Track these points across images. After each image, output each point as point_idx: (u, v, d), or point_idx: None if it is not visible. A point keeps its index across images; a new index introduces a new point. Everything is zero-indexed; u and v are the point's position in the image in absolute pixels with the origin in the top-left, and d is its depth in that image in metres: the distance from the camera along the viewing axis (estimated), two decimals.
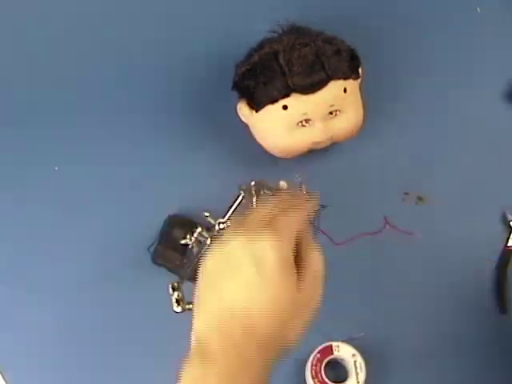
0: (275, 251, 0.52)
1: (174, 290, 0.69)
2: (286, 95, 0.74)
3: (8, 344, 0.77)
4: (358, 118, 0.78)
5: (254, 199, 0.66)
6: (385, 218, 0.81)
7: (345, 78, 0.76)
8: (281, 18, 0.77)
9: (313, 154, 0.80)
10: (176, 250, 0.77)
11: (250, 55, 0.77)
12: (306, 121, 0.76)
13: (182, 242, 0.75)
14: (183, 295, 0.69)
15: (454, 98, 0.87)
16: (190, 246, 0.74)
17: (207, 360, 0.51)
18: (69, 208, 0.80)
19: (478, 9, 0.90)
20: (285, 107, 0.75)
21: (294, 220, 0.56)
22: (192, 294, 0.61)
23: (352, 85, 0.77)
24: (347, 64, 0.76)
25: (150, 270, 0.77)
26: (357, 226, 0.81)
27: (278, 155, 0.79)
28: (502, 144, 0.86)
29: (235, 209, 0.67)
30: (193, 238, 0.73)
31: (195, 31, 0.87)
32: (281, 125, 0.76)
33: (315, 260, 0.56)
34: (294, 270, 0.53)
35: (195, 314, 0.54)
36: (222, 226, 0.68)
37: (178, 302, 0.68)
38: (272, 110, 0.75)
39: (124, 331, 0.77)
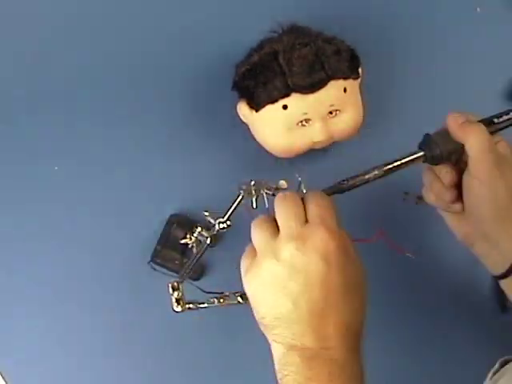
0: (331, 240, 0.56)
1: (173, 289, 0.69)
2: (286, 95, 0.74)
3: (8, 344, 0.77)
4: (357, 118, 0.78)
5: (254, 199, 0.66)
6: (380, 231, 0.81)
7: (345, 78, 0.76)
8: (281, 17, 0.77)
9: (313, 153, 0.80)
10: (176, 250, 0.77)
11: (250, 55, 0.77)
12: (306, 121, 0.76)
13: (182, 241, 0.75)
14: (183, 295, 0.69)
15: (454, 98, 0.87)
16: (189, 246, 0.74)
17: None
18: (68, 208, 0.80)
19: (478, 9, 0.91)
20: (285, 107, 0.75)
21: (324, 205, 0.60)
22: (192, 293, 0.62)
23: (352, 85, 0.77)
24: (347, 64, 0.76)
25: (150, 271, 0.77)
26: (357, 227, 0.81)
27: (278, 155, 0.79)
28: None
29: (235, 208, 0.67)
30: (193, 238, 0.73)
31: (195, 31, 0.87)
32: (281, 125, 0.76)
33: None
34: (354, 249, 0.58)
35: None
36: (221, 225, 0.68)
37: (177, 301, 0.69)
38: (272, 110, 0.75)
39: (124, 331, 0.77)
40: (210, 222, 0.69)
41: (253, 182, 0.67)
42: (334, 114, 0.76)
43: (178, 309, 0.69)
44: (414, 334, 0.79)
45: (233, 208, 0.67)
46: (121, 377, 0.77)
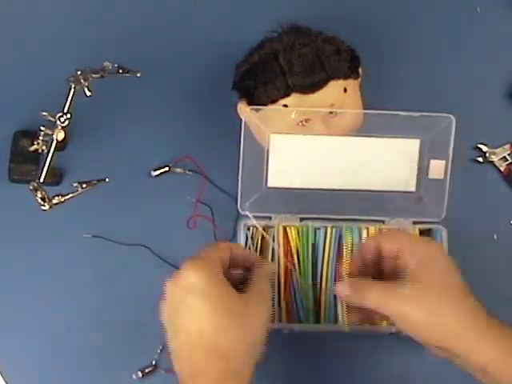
0: (196, 272, 0.60)
1: (36, 190, 0.70)
2: (286, 95, 0.74)
3: (8, 344, 0.77)
4: (357, 118, 0.78)
5: (86, 85, 0.71)
6: None
7: (345, 78, 0.76)
8: (281, 17, 0.77)
9: None
10: (29, 161, 0.78)
11: (249, 55, 0.77)
12: (306, 121, 0.76)
13: (31, 148, 0.76)
14: (46, 193, 0.70)
15: (454, 98, 0.87)
16: (39, 151, 0.75)
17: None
18: None
19: (478, 9, 0.91)
20: (285, 107, 0.75)
21: (214, 247, 0.65)
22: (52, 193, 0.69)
23: (352, 85, 0.77)
24: (347, 64, 0.76)
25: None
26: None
27: None
28: (502, 144, 0.86)
29: (71, 100, 0.70)
30: (40, 142, 0.74)
31: (195, 31, 0.87)
32: (281, 125, 0.76)
33: (260, 280, 0.65)
34: (225, 284, 0.61)
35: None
36: (62, 119, 0.70)
37: (43, 200, 0.70)
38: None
39: (124, 331, 0.77)
40: (51, 120, 0.71)
41: (79, 72, 0.71)
42: (334, 113, 0.76)
43: (46, 207, 0.70)
44: None
45: (69, 100, 0.70)
46: (121, 377, 0.77)
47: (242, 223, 0.79)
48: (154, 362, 0.76)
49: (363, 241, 0.77)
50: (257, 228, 0.78)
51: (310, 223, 0.79)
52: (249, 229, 0.79)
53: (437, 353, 0.61)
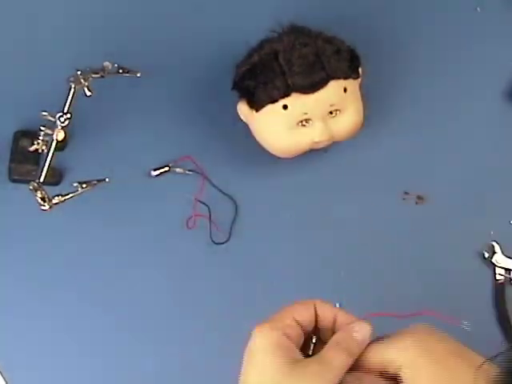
0: (258, 337, 0.54)
1: (36, 190, 0.70)
2: (286, 95, 0.74)
3: (8, 344, 0.77)
4: (358, 118, 0.78)
5: (86, 85, 0.71)
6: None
7: (345, 78, 0.76)
8: (281, 17, 0.77)
9: (313, 153, 0.80)
10: (29, 161, 0.78)
11: (250, 55, 0.77)
12: (306, 120, 0.76)
13: (31, 148, 0.76)
14: (46, 193, 0.70)
15: (454, 98, 0.87)
16: (39, 151, 0.75)
17: None
18: None
19: (478, 9, 0.91)
20: (285, 107, 0.75)
21: (292, 308, 0.56)
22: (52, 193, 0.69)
23: (352, 84, 0.77)
24: (347, 64, 0.76)
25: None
26: (357, 227, 0.82)
27: (278, 155, 0.79)
28: (502, 144, 0.86)
29: (71, 100, 0.70)
30: (40, 142, 0.74)
31: (195, 31, 0.87)
32: (281, 125, 0.76)
33: (334, 349, 0.53)
34: (285, 353, 0.53)
35: None
36: (62, 118, 0.70)
37: (43, 200, 0.70)
38: (272, 110, 0.75)
39: (123, 331, 0.77)
40: (51, 120, 0.71)
41: (79, 72, 0.70)
42: (334, 113, 0.76)
43: (46, 207, 0.70)
44: None
45: (69, 100, 0.70)
46: (121, 377, 0.77)
47: None
48: None
49: None
50: None
51: None
52: None
53: None
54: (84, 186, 0.72)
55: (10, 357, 0.77)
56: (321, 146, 0.79)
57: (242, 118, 0.79)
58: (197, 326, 0.77)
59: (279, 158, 0.80)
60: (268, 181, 0.83)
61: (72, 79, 0.71)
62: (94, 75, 0.72)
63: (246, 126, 0.79)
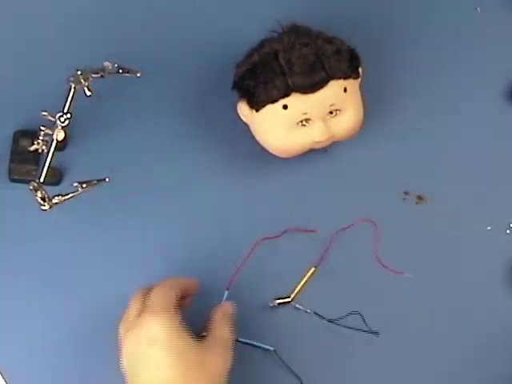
0: (158, 325, 0.62)
1: (36, 190, 0.70)
2: (286, 95, 0.74)
3: (8, 344, 0.77)
4: (358, 118, 0.78)
5: (86, 85, 0.71)
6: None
7: (345, 78, 0.76)
8: (281, 17, 0.77)
9: (313, 153, 0.80)
10: (29, 161, 0.79)
11: (249, 55, 0.77)
12: (306, 120, 0.76)
13: (31, 148, 0.76)
14: (46, 193, 0.70)
15: (454, 98, 0.87)
16: (39, 151, 0.75)
17: None
18: None
19: (478, 9, 0.91)
20: (285, 107, 0.75)
21: (169, 288, 0.67)
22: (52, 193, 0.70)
23: (352, 84, 0.77)
24: (347, 64, 0.76)
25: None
26: (357, 227, 0.82)
27: (278, 155, 0.79)
28: (502, 143, 0.86)
29: (71, 100, 0.70)
30: (40, 142, 0.74)
31: (195, 31, 0.87)
32: (281, 125, 0.76)
33: (220, 326, 0.68)
34: (184, 335, 0.63)
35: None
36: (62, 118, 0.70)
37: (43, 199, 0.70)
38: (272, 110, 0.75)
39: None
40: (51, 120, 0.71)
41: (79, 72, 0.71)
42: (334, 113, 0.76)
43: (46, 207, 0.70)
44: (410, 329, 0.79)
45: (69, 100, 0.70)
46: (121, 377, 0.77)
47: None
48: None
49: None
50: None
51: None
52: None
53: None
54: (84, 185, 0.72)
55: (10, 357, 0.77)
56: (321, 145, 0.79)
57: (242, 118, 0.79)
58: None
59: (279, 157, 0.79)
60: (268, 181, 0.83)
61: (72, 79, 0.71)
62: (94, 75, 0.72)
63: (246, 126, 0.79)
